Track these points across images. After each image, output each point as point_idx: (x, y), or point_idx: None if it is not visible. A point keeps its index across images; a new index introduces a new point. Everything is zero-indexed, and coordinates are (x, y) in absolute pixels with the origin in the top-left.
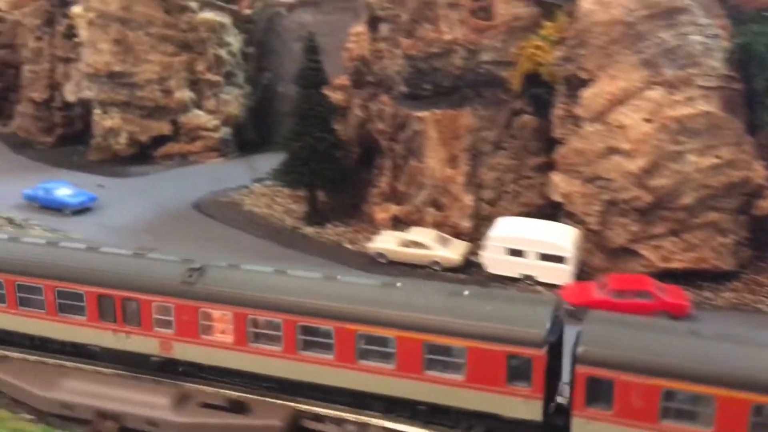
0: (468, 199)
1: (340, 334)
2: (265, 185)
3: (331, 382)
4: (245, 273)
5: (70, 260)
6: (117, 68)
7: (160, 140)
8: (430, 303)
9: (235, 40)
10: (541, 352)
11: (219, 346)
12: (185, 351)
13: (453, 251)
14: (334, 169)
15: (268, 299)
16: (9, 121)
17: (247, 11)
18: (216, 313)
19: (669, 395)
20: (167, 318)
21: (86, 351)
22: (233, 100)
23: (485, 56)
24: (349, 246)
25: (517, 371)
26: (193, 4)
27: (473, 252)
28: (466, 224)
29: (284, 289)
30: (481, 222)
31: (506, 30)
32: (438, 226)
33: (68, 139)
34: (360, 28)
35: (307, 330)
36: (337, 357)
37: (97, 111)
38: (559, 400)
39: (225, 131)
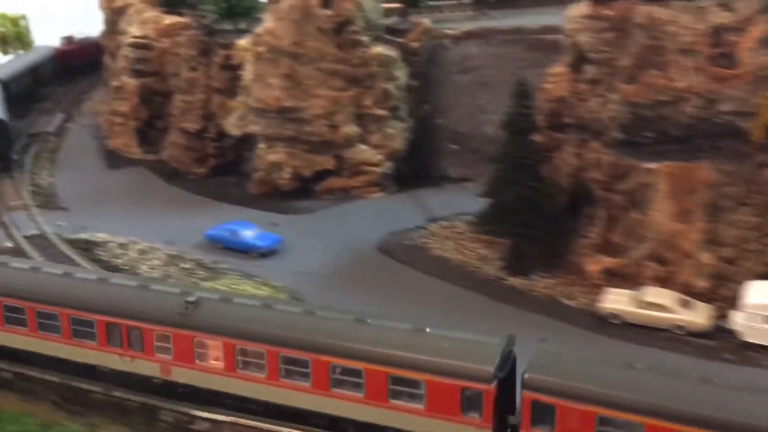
0: (705, 257)
1: (316, 364)
2: (442, 226)
3: (308, 406)
4: (235, 306)
5: (82, 290)
6: (287, 103)
7: (321, 174)
8: (394, 339)
9: (402, 73)
10: (491, 387)
11: (212, 371)
12: (182, 375)
13: (698, 315)
14: (543, 219)
15: (254, 331)
16: (154, 148)
17: (415, 44)
18: (209, 342)
19: (603, 421)
20: (166, 345)
21: (96, 372)
22: (397, 134)
23: (725, 106)
24: (567, 302)
25: (470, 403)
26: (366, 39)
27: (719, 315)
28: (701, 284)
29: (268, 322)
30: (720, 282)
31: (752, 79)
32: (660, 282)
33: (219, 170)
34: (560, 68)
35: (288, 360)
36: (313, 384)
37: (261, 145)
38: None
39: (388, 166)
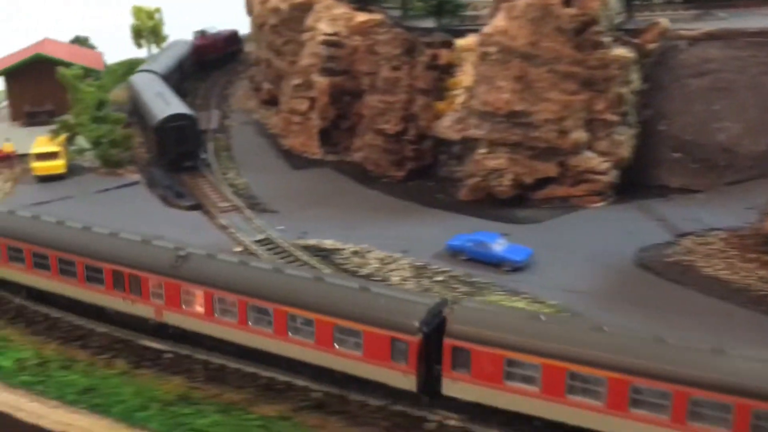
0: None
1: (277, 314)
2: (695, 242)
3: (271, 350)
4: (217, 262)
5: (95, 242)
6: (517, 107)
7: (540, 182)
8: (341, 295)
9: (636, 77)
10: (416, 339)
11: (195, 316)
12: (172, 318)
13: None
14: None
15: (228, 283)
16: (336, 148)
17: (652, 45)
18: (193, 290)
19: (510, 363)
20: (160, 291)
21: (104, 312)
22: (626, 141)
23: None
24: None
25: (398, 352)
26: (606, 40)
27: None
28: None
29: (241, 277)
30: None
31: None
32: None
33: (414, 173)
34: None
35: (254, 308)
36: (275, 331)
37: (481, 150)
38: None
39: (614, 175)
